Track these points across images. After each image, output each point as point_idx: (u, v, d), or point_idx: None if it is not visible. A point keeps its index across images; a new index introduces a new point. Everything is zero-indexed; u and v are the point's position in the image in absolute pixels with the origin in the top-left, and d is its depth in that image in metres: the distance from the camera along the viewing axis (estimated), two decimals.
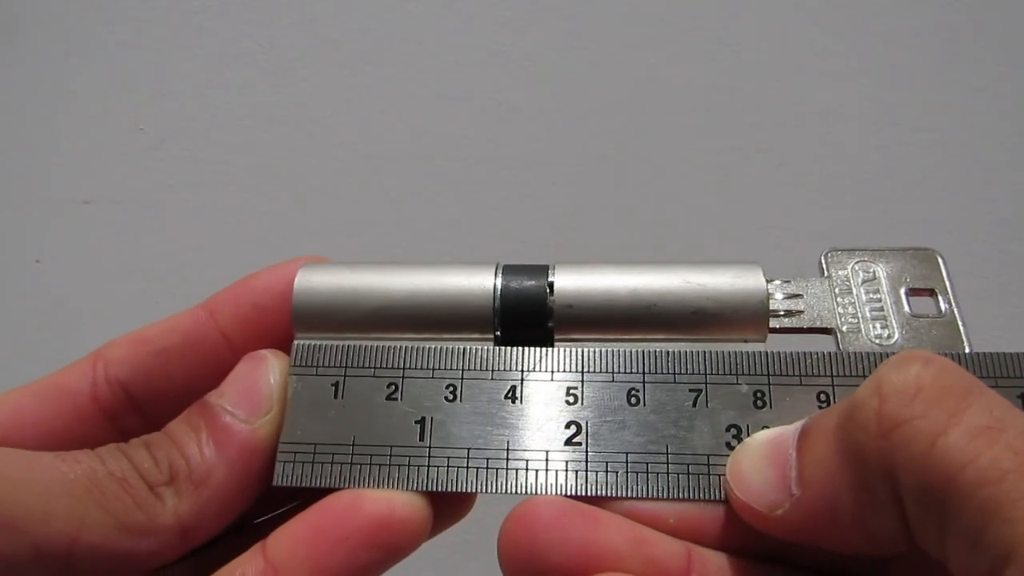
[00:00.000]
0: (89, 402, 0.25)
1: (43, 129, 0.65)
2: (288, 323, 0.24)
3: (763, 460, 0.21)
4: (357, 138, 0.64)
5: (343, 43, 0.65)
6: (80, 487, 0.20)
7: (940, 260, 0.25)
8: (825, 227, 0.61)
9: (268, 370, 0.23)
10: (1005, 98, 0.62)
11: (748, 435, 0.22)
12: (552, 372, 0.23)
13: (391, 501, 0.21)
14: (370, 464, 0.22)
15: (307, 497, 0.24)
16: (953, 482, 0.16)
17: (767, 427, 0.22)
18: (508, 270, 0.25)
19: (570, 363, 0.23)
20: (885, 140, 0.62)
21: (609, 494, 0.22)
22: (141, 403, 0.26)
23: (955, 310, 0.24)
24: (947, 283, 0.25)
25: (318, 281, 0.25)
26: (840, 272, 0.25)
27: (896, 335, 0.24)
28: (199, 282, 0.66)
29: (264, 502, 0.24)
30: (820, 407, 0.22)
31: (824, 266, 0.25)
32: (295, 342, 0.24)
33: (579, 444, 0.22)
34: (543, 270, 0.25)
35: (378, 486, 0.22)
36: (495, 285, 0.24)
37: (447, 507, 0.23)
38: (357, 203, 0.63)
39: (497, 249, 0.62)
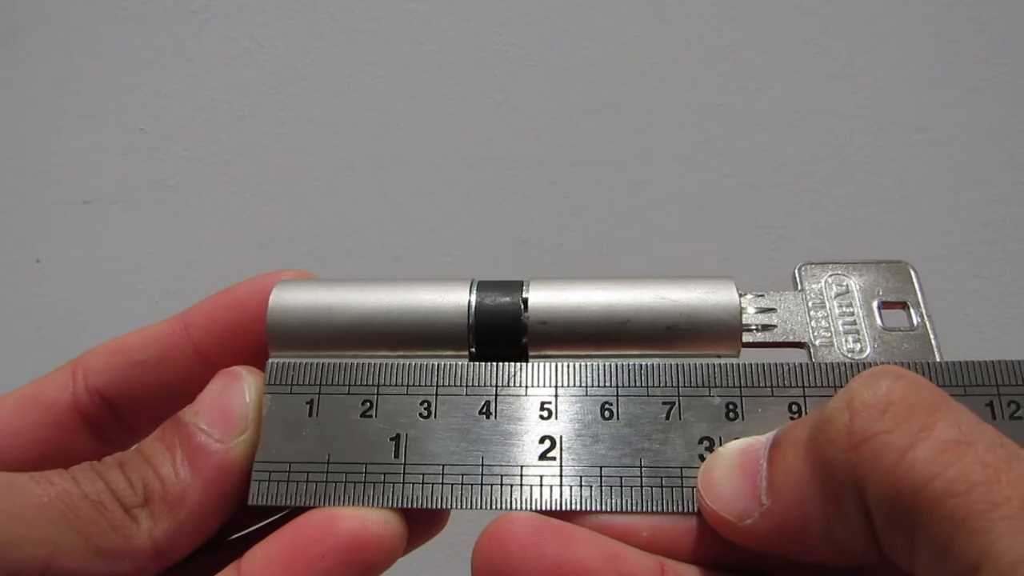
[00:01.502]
0: (69, 411, 0.25)
1: (43, 129, 0.64)
2: (262, 337, 0.24)
3: (734, 469, 0.21)
4: (357, 138, 0.64)
5: (343, 43, 0.65)
6: (55, 510, 0.20)
7: (912, 272, 0.25)
8: (824, 227, 0.61)
9: (243, 388, 0.23)
10: (1005, 98, 0.62)
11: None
12: (526, 387, 0.23)
13: (365, 519, 0.21)
14: (345, 482, 0.22)
15: (282, 514, 0.24)
16: (921, 494, 0.17)
17: (739, 439, 0.22)
18: (483, 286, 0.25)
19: (544, 378, 0.23)
20: (885, 140, 0.62)
21: (583, 508, 0.22)
22: (121, 412, 0.26)
23: (927, 322, 0.24)
24: (919, 295, 0.25)
25: (292, 299, 0.25)
26: (814, 285, 0.25)
27: (868, 348, 0.24)
28: (198, 282, 0.66)
29: (239, 518, 0.24)
30: (792, 418, 0.22)
31: (798, 279, 0.25)
32: (270, 360, 0.24)
33: (554, 459, 0.22)
34: (517, 286, 0.25)
35: (353, 503, 0.22)
36: (469, 302, 0.24)
37: (421, 523, 0.23)
38: (357, 203, 0.63)
39: (499, 250, 0.62)
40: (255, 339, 0.25)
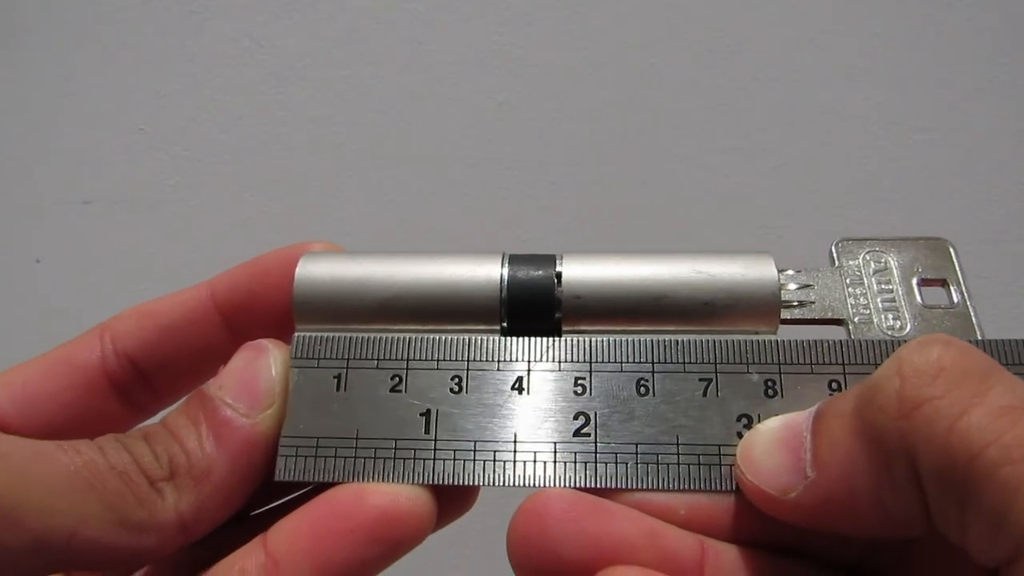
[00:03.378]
0: (99, 375, 0.25)
1: (43, 129, 0.64)
2: (286, 309, 0.24)
3: (775, 444, 0.21)
4: (357, 138, 0.64)
5: (343, 43, 0.65)
6: (82, 480, 0.20)
7: (952, 251, 0.25)
8: (824, 228, 0.61)
9: (269, 362, 0.23)
10: (1005, 98, 0.62)
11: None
12: (559, 362, 0.23)
13: (395, 495, 0.21)
14: (374, 458, 0.22)
15: (307, 489, 0.24)
16: (975, 461, 0.16)
17: (778, 415, 0.22)
18: (515, 260, 0.24)
19: (578, 353, 0.23)
20: (885, 140, 0.62)
21: (619, 486, 0.22)
22: (149, 376, 0.25)
23: (967, 300, 0.24)
24: (959, 274, 0.24)
25: (319, 272, 0.24)
26: (851, 262, 0.25)
27: (908, 326, 0.23)
28: (198, 282, 0.66)
29: (264, 493, 0.24)
30: (831, 395, 0.22)
31: (835, 256, 0.25)
32: (296, 334, 0.24)
33: (588, 435, 0.22)
34: (550, 260, 0.24)
35: (383, 480, 0.22)
36: (501, 275, 0.24)
37: (451, 500, 0.23)
38: (357, 203, 0.63)
39: (499, 250, 0.62)
40: (280, 310, 0.24)
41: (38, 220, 0.63)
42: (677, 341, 0.23)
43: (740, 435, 0.22)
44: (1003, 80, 0.62)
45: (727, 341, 0.23)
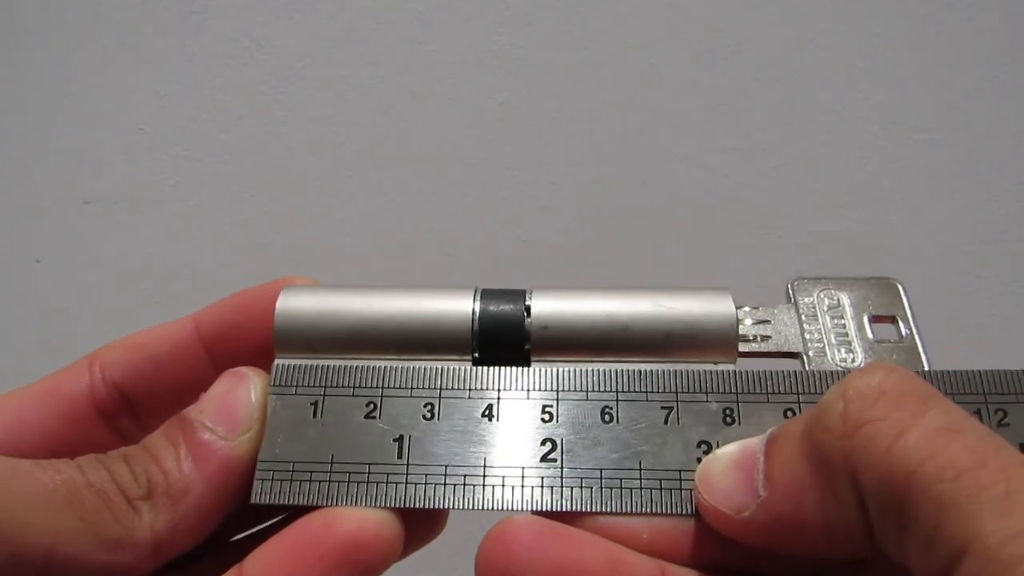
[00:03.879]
0: (87, 404, 0.25)
1: (43, 129, 0.65)
2: (267, 339, 0.25)
3: (731, 466, 0.22)
4: (357, 138, 0.64)
5: (343, 43, 0.65)
6: (60, 497, 0.20)
7: (900, 288, 0.26)
8: (824, 228, 0.61)
9: (249, 388, 0.23)
10: (1005, 98, 0.62)
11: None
12: (528, 391, 0.24)
13: (362, 519, 0.22)
14: (348, 481, 0.22)
15: (285, 515, 0.24)
16: (912, 478, 0.17)
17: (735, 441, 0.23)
18: (487, 294, 0.25)
19: (545, 382, 0.24)
20: (885, 140, 0.62)
21: (584, 509, 0.22)
22: (136, 406, 0.26)
23: (915, 334, 0.25)
24: (907, 310, 0.26)
25: (299, 304, 0.25)
26: (806, 299, 0.26)
27: (859, 358, 0.25)
28: (198, 282, 0.66)
29: (243, 519, 0.25)
30: None
31: (791, 293, 0.26)
32: (276, 361, 0.24)
33: (554, 460, 0.23)
34: (520, 295, 0.25)
35: (356, 503, 0.22)
36: (473, 310, 0.25)
37: (420, 525, 0.24)
38: (357, 203, 0.63)
39: (499, 250, 0.62)
40: (262, 341, 0.25)
41: (38, 220, 0.63)
42: (640, 371, 0.24)
43: (699, 460, 0.23)
44: (1003, 80, 0.62)
45: (687, 371, 0.24)
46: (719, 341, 0.24)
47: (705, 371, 0.24)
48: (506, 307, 0.25)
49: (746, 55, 0.64)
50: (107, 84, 0.65)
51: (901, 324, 0.25)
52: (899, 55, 0.63)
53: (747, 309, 0.26)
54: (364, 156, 0.64)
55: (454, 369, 0.24)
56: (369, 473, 0.23)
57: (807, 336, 0.25)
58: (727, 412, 0.23)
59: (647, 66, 0.64)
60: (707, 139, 0.63)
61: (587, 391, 0.24)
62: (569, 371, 0.24)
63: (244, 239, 0.62)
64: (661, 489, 0.22)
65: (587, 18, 0.65)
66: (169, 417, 0.26)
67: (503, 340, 0.25)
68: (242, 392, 0.23)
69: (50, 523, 0.20)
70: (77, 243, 0.63)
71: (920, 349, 0.25)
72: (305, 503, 0.22)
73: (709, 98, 0.63)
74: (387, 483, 0.22)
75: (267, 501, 0.22)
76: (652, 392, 0.24)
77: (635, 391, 0.24)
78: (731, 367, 0.24)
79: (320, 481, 0.22)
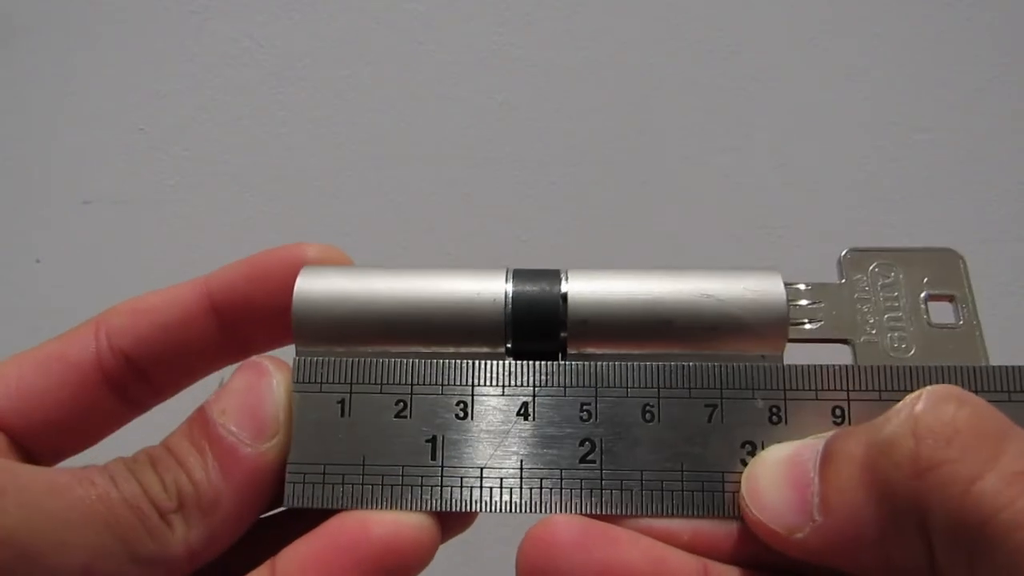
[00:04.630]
0: (94, 372, 0.24)
1: (43, 129, 0.64)
2: (283, 315, 0.24)
3: (782, 480, 0.21)
4: (357, 138, 0.64)
5: (343, 43, 0.65)
6: (97, 515, 0.20)
7: (962, 264, 0.24)
8: (824, 228, 0.61)
9: (271, 387, 0.22)
10: (1005, 98, 0.62)
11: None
12: (565, 388, 0.23)
13: (399, 524, 0.21)
14: (382, 484, 0.22)
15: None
16: (987, 525, 0.17)
17: (782, 443, 0.22)
18: (519, 275, 0.24)
19: (583, 378, 0.23)
20: (885, 140, 0.62)
21: (624, 512, 0.22)
22: (146, 373, 0.25)
23: (975, 319, 0.24)
24: (967, 288, 0.24)
25: (318, 289, 0.24)
26: (858, 275, 0.24)
27: (913, 348, 0.23)
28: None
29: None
30: (836, 423, 0.22)
31: (842, 268, 0.25)
32: (297, 357, 0.23)
33: (593, 462, 0.22)
34: (555, 276, 0.24)
35: (390, 507, 0.22)
36: (506, 292, 0.24)
37: (452, 523, 0.23)
38: (357, 203, 0.63)
39: (499, 250, 0.62)
40: (277, 317, 0.24)
41: (38, 220, 0.63)
42: (683, 367, 0.23)
43: (744, 462, 0.22)
44: (1003, 80, 0.62)
45: (733, 367, 0.23)
46: (769, 329, 0.23)
47: (751, 367, 0.23)
48: (541, 289, 0.24)
49: (746, 55, 0.64)
50: (107, 84, 0.65)
51: (960, 305, 0.24)
52: (899, 55, 0.63)
53: (800, 287, 0.24)
54: (364, 156, 0.64)
55: (487, 365, 0.23)
56: (403, 476, 0.22)
57: (859, 319, 0.24)
58: (773, 411, 0.22)
59: (647, 66, 0.64)
60: (707, 139, 0.63)
61: (627, 387, 0.23)
62: (608, 367, 0.23)
63: (244, 239, 0.62)
64: (703, 491, 0.22)
65: (587, 18, 0.65)
66: (182, 382, 0.26)
67: (539, 326, 0.23)
68: (265, 391, 0.22)
69: (86, 543, 0.20)
70: (77, 243, 0.63)
71: (980, 337, 0.23)
72: (339, 507, 0.22)
73: (709, 98, 0.63)
74: (421, 486, 0.22)
75: (300, 505, 0.22)
76: (695, 388, 0.22)
77: (677, 387, 0.22)
78: (778, 362, 0.23)
79: (353, 484, 0.22)
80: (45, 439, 0.24)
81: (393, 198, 0.63)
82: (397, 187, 0.63)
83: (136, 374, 0.25)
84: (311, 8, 0.65)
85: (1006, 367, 0.22)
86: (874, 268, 0.24)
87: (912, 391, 0.20)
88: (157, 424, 0.25)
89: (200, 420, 0.22)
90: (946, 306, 0.24)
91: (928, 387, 0.20)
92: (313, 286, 0.24)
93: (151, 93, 0.65)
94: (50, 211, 0.63)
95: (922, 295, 0.24)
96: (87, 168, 0.64)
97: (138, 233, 0.63)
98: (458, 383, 0.23)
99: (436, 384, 0.23)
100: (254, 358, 0.23)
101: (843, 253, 0.25)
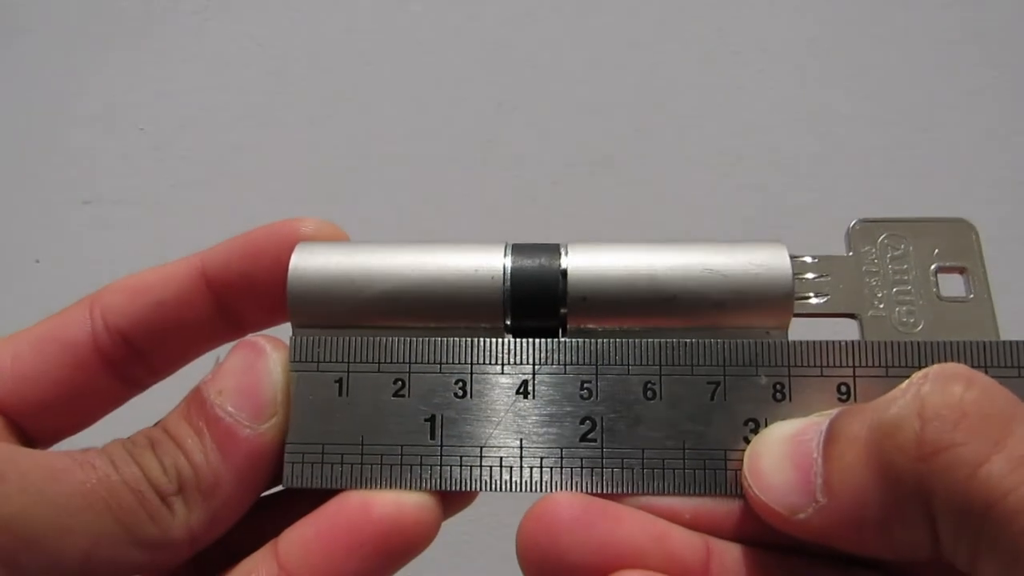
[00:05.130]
0: (90, 352, 0.24)
1: (43, 129, 0.64)
2: (278, 292, 0.23)
3: (784, 459, 0.20)
4: (357, 138, 0.64)
5: (343, 43, 0.65)
6: (98, 499, 0.20)
7: (974, 235, 0.24)
8: (823, 228, 0.61)
9: (269, 367, 0.22)
10: (1005, 98, 0.62)
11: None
12: (565, 365, 0.22)
13: (401, 504, 0.21)
14: (381, 464, 0.22)
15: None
16: (993, 509, 0.17)
17: (785, 420, 0.21)
18: (518, 250, 0.23)
19: (583, 355, 0.22)
20: (885, 140, 0.62)
21: (625, 491, 0.21)
22: (142, 351, 0.25)
23: (987, 292, 0.23)
24: (980, 260, 0.23)
25: (314, 265, 0.23)
26: (867, 248, 0.24)
27: (922, 323, 0.23)
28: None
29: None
30: (841, 399, 0.22)
31: (850, 240, 0.24)
32: (294, 336, 0.23)
33: (594, 440, 0.22)
34: (555, 250, 0.23)
35: (390, 486, 0.22)
36: (504, 266, 0.23)
37: (452, 502, 0.23)
38: (356, 203, 0.63)
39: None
40: (273, 294, 0.24)
41: (38, 220, 0.63)
42: (685, 343, 0.22)
43: (747, 440, 0.22)
44: (1002, 80, 0.62)
45: (736, 344, 0.22)
46: (774, 304, 0.22)
47: (755, 343, 0.22)
48: (540, 263, 0.23)
49: (746, 55, 0.64)
50: (107, 84, 0.65)
51: (971, 277, 0.23)
52: (899, 55, 0.63)
53: (806, 260, 0.23)
54: (364, 156, 0.64)
55: (486, 343, 0.22)
56: (402, 455, 0.22)
57: (867, 292, 0.23)
58: (777, 387, 0.22)
59: (647, 66, 0.64)
60: (707, 139, 0.63)
61: (628, 365, 0.22)
62: (609, 344, 0.22)
63: None
64: (705, 470, 0.21)
65: (587, 18, 0.65)
66: (178, 360, 0.25)
67: (538, 302, 0.23)
68: (262, 371, 0.22)
69: (88, 527, 0.20)
70: (77, 243, 0.63)
71: (991, 311, 0.23)
72: (338, 487, 0.22)
73: (709, 98, 0.63)
74: (421, 465, 0.22)
75: (299, 485, 0.22)
76: (697, 365, 0.22)
77: (679, 364, 0.22)
78: (782, 338, 0.22)
79: (352, 464, 0.22)
80: (42, 419, 0.24)
81: (393, 198, 0.63)
82: (397, 187, 0.63)
83: (132, 353, 0.25)
84: (311, 8, 0.65)
85: (1016, 342, 0.21)
86: (883, 240, 0.24)
87: (920, 368, 0.20)
88: (156, 402, 0.25)
89: (197, 401, 0.22)
90: (957, 279, 0.23)
91: (935, 366, 0.19)
92: (308, 263, 0.23)
93: (151, 93, 0.65)
94: (50, 211, 0.63)
95: (932, 267, 0.23)
96: (87, 168, 0.64)
97: (138, 233, 0.63)
98: (457, 361, 0.22)
99: (435, 363, 0.22)
100: (250, 337, 0.23)
101: (852, 224, 0.24)
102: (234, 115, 0.64)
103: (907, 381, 0.19)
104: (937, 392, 0.18)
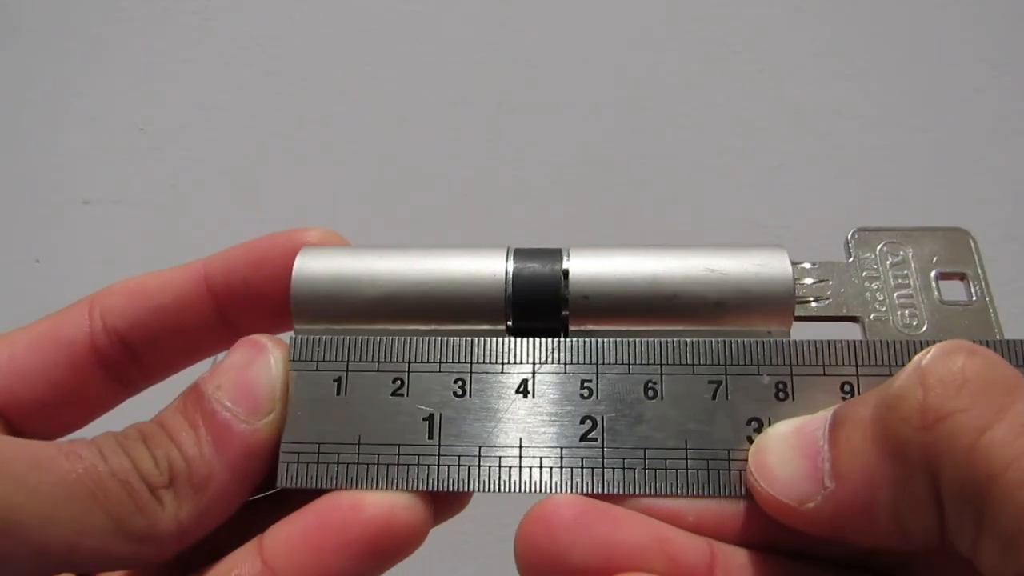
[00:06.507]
0: (87, 352, 0.24)
1: (43, 129, 0.64)
2: (281, 300, 0.23)
3: (791, 451, 0.20)
4: (357, 138, 0.64)
5: (343, 43, 0.65)
6: (83, 489, 0.20)
7: (972, 242, 0.24)
8: (823, 228, 0.61)
9: (268, 363, 0.22)
10: (1005, 98, 0.62)
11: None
12: (565, 364, 0.22)
13: (391, 505, 0.21)
14: (377, 464, 0.21)
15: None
16: (995, 481, 0.16)
17: (788, 419, 0.21)
18: (520, 254, 0.23)
19: (584, 355, 0.22)
20: (885, 140, 0.62)
21: (626, 492, 0.21)
22: (140, 355, 0.25)
23: (987, 296, 0.23)
24: (979, 266, 0.23)
25: (317, 269, 0.23)
26: (867, 255, 0.24)
27: (925, 324, 0.23)
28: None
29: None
30: (844, 398, 0.21)
31: (850, 248, 0.24)
32: (294, 335, 0.23)
33: (595, 440, 0.21)
34: (557, 254, 0.23)
35: (387, 487, 0.21)
36: (506, 270, 0.23)
37: (446, 503, 0.23)
38: (356, 204, 0.63)
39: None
40: (276, 302, 0.24)
41: (38, 220, 0.63)
42: (686, 342, 0.22)
43: (750, 439, 0.21)
44: (1003, 80, 0.62)
45: (738, 343, 0.22)
46: (775, 306, 0.22)
47: (757, 342, 0.22)
48: (542, 268, 0.23)
49: (746, 55, 0.64)
50: (107, 84, 0.65)
51: (971, 283, 0.23)
52: (899, 55, 0.63)
53: (806, 266, 0.24)
54: (364, 156, 0.64)
55: (485, 342, 0.22)
56: (399, 455, 0.21)
57: (868, 297, 0.23)
58: (780, 386, 0.21)
59: (647, 66, 0.64)
60: (707, 139, 0.63)
61: (629, 364, 0.22)
62: (609, 343, 0.22)
63: (244, 239, 0.62)
64: (708, 470, 0.21)
65: (588, 18, 0.65)
66: (176, 365, 0.25)
67: (540, 306, 0.23)
68: (261, 367, 0.22)
69: (73, 518, 0.19)
70: (77, 243, 0.63)
71: (992, 313, 0.23)
72: (334, 487, 0.21)
73: (709, 98, 0.63)
74: (418, 465, 0.21)
75: (293, 485, 0.21)
76: (699, 365, 0.22)
77: (681, 364, 0.22)
78: (784, 337, 0.22)
79: (348, 463, 0.21)
80: (36, 418, 0.24)
81: (393, 198, 0.63)
82: (397, 188, 0.63)
83: (129, 355, 0.25)
84: (311, 8, 0.65)
85: (1020, 340, 0.21)
86: (882, 247, 0.24)
87: None
88: (154, 405, 0.25)
89: (194, 395, 0.22)
90: (957, 284, 0.23)
91: (937, 343, 0.19)
92: (312, 264, 0.23)
93: (151, 93, 0.65)
94: (50, 211, 0.63)
95: (933, 273, 0.24)
96: (87, 168, 0.64)
97: (138, 233, 0.63)
98: (456, 360, 0.22)
99: (434, 361, 0.22)
100: (252, 335, 0.23)
101: (850, 233, 0.24)
102: (234, 115, 0.64)
103: (910, 361, 0.19)
104: (939, 361, 0.18)
